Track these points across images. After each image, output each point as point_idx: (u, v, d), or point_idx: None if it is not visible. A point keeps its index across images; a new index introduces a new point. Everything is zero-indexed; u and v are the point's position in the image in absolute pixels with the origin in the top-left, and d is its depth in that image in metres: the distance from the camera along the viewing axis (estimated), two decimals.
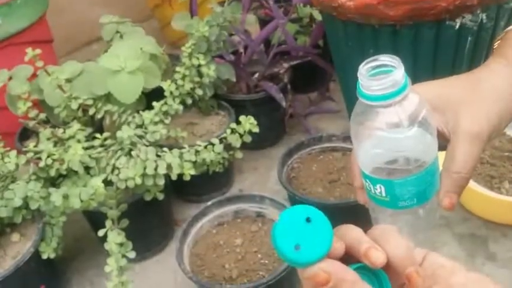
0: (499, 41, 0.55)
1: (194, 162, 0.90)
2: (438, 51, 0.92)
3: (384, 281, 0.35)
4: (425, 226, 0.48)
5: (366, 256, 0.33)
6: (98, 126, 1.07)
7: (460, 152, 0.45)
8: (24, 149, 0.90)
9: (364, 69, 0.42)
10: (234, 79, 1.20)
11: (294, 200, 0.92)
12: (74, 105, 0.97)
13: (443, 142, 0.47)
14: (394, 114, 0.40)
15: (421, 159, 0.42)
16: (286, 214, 0.33)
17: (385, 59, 0.40)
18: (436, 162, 0.44)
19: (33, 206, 0.84)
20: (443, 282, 0.34)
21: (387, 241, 0.34)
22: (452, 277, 0.34)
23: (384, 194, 0.44)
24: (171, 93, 1.02)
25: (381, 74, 0.40)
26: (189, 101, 1.06)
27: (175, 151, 0.90)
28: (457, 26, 0.88)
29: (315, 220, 0.33)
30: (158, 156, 0.89)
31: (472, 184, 0.94)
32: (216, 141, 0.94)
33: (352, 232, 0.35)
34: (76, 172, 0.88)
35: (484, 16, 0.88)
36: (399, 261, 0.34)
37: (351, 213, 0.91)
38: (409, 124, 0.40)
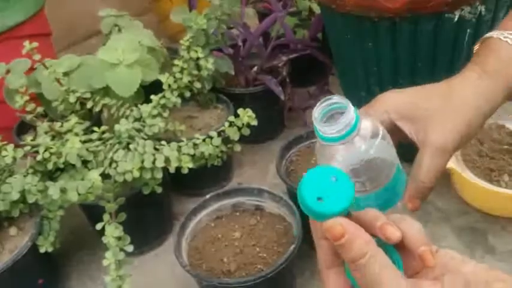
0: (477, 46, 0.55)
1: (192, 156, 0.90)
2: (437, 43, 0.91)
3: (395, 260, 0.36)
4: None
5: (381, 230, 0.35)
6: (96, 120, 1.06)
7: (425, 163, 0.48)
8: (21, 143, 0.90)
9: (317, 113, 0.42)
10: (232, 72, 1.20)
11: (293, 193, 0.92)
12: (72, 98, 0.97)
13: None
14: (349, 148, 0.43)
15: (379, 181, 0.46)
16: (314, 170, 0.36)
17: (335, 99, 0.42)
18: (397, 174, 0.47)
19: (31, 199, 0.84)
20: (454, 271, 0.35)
21: (403, 221, 0.36)
22: (463, 266, 0.36)
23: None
24: (170, 86, 1.01)
25: (334, 110, 0.42)
26: (188, 95, 1.06)
27: (174, 144, 0.90)
28: (456, 19, 0.87)
29: (340, 179, 0.35)
30: (156, 149, 0.89)
31: (472, 177, 0.94)
32: (214, 134, 0.93)
33: (370, 211, 0.37)
34: (74, 166, 0.88)
35: (482, 8, 0.87)
36: (413, 240, 0.35)
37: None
38: (364, 152, 0.43)
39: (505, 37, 0.51)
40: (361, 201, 0.47)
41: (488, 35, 0.54)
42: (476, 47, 0.56)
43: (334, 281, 0.38)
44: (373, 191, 0.47)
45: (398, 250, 0.37)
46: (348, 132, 0.41)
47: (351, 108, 0.41)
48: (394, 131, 0.49)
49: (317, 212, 0.35)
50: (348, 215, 0.36)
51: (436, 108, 0.47)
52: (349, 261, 0.34)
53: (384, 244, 0.36)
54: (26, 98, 0.97)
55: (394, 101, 0.49)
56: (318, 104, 0.42)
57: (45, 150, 0.86)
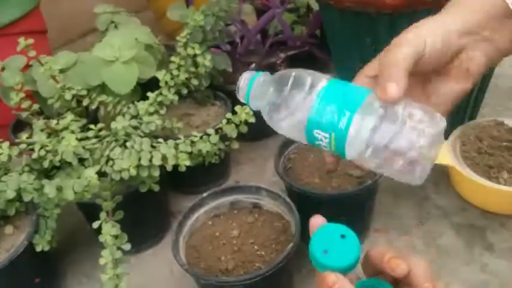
0: None
1: (190, 153, 0.89)
2: None
3: None
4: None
5: (388, 263, 0.38)
6: (92, 117, 1.06)
7: (388, 53, 0.49)
8: (17, 141, 0.89)
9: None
10: (230, 69, 1.19)
11: (291, 191, 0.92)
12: (68, 96, 0.96)
13: None
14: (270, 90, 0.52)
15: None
16: (327, 226, 0.40)
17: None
18: (330, 83, 0.48)
19: (27, 198, 0.83)
20: None
21: (409, 258, 0.38)
22: None
23: (326, 135, 0.47)
24: (166, 83, 1.00)
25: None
26: (185, 92, 1.05)
27: (171, 142, 0.89)
28: None
29: (348, 238, 0.39)
30: (153, 147, 0.88)
31: (471, 174, 0.93)
32: (211, 131, 0.93)
33: (382, 247, 0.40)
34: (70, 164, 0.88)
35: None
36: (418, 276, 0.37)
37: (348, 204, 0.91)
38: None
39: None
40: (311, 129, 0.47)
41: None
42: None
43: None
44: (308, 117, 0.47)
45: (402, 284, 0.39)
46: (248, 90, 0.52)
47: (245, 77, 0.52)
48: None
49: (321, 263, 0.38)
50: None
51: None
52: None
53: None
54: (22, 95, 0.96)
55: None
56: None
57: (41, 148, 0.86)
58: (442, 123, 0.44)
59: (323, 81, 0.49)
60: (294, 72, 0.50)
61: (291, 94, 0.48)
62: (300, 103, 0.47)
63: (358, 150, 0.45)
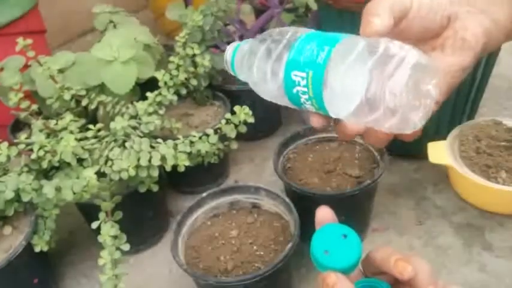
0: None
1: (189, 154, 0.89)
2: None
3: None
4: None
5: (395, 266, 0.37)
6: (92, 117, 1.05)
7: None
8: (16, 141, 0.89)
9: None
10: None
11: (290, 191, 0.92)
12: (67, 96, 0.96)
13: None
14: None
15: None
16: (327, 226, 0.40)
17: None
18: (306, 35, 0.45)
19: (25, 198, 0.83)
20: None
21: (414, 260, 0.38)
22: None
23: (304, 75, 0.43)
24: (166, 83, 1.00)
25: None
26: (184, 92, 1.05)
27: (170, 142, 0.89)
28: None
29: (350, 238, 0.39)
30: (152, 147, 0.88)
31: (469, 174, 0.93)
32: (211, 131, 0.93)
33: (385, 248, 0.40)
34: (69, 164, 0.87)
35: None
36: (422, 278, 0.37)
37: (347, 203, 0.91)
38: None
39: None
40: (289, 72, 0.45)
41: None
42: None
43: None
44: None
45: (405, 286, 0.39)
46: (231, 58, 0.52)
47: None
48: None
49: (322, 264, 0.38)
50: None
51: None
52: None
53: None
54: (21, 95, 0.96)
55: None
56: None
57: (39, 148, 0.85)
58: (431, 61, 0.39)
59: (305, 30, 0.46)
60: (276, 29, 0.48)
61: (272, 46, 0.46)
62: (280, 53, 0.45)
63: (337, 88, 0.40)
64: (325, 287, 0.37)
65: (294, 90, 0.44)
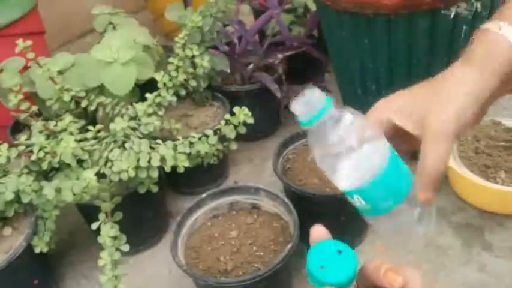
0: (474, 35, 0.55)
1: (188, 154, 0.90)
2: (433, 40, 0.91)
3: None
4: (421, 222, 0.50)
5: (385, 277, 0.38)
6: (91, 119, 1.05)
7: (429, 149, 0.48)
8: (15, 142, 0.89)
9: (296, 104, 0.45)
10: (228, 70, 1.19)
11: (290, 192, 0.92)
12: (66, 97, 0.96)
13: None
14: (326, 131, 0.45)
15: (363, 173, 0.47)
16: (323, 242, 0.40)
17: (309, 91, 0.45)
18: (393, 160, 0.48)
19: (25, 199, 0.84)
20: None
21: (405, 271, 0.38)
22: None
23: (363, 203, 0.48)
24: (165, 84, 1.00)
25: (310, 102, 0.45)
26: (183, 93, 1.05)
27: (169, 143, 0.89)
28: (452, 15, 0.87)
29: (345, 254, 0.39)
30: (152, 148, 0.88)
31: (468, 174, 0.94)
32: (210, 132, 0.93)
33: (376, 261, 0.39)
34: (69, 165, 0.87)
35: (478, 5, 0.87)
36: (413, 286, 0.37)
37: (347, 204, 0.91)
38: (357, 138, 0.45)
39: (500, 28, 0.51)
40: (368, 193, 0.47)
41: (485, 25, 0.54)
42: (472, 37, 0.56)
43: None
44: (359, 185, 0.47)
45: None
46: (319, 112, 0.44)
47: (320, 93, 0.44)
48: (396, 137, 0.51)
49: (318, 279, 0.38)
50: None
51: (430, 100, 0.49)
52: None
53: None
54: (20, 97, 0.96)
55: (391, 104, 0.52)
56: (296, 98, 0.45)
57: (39, 150, 0.85)
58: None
59: (386, 153, 0.48)
60: (360, 123, 0.46)
61: (347, 152, 0.46)
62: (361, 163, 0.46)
63: (385, 227, 0.50)
64: None
65: (351, 199, 0.49)
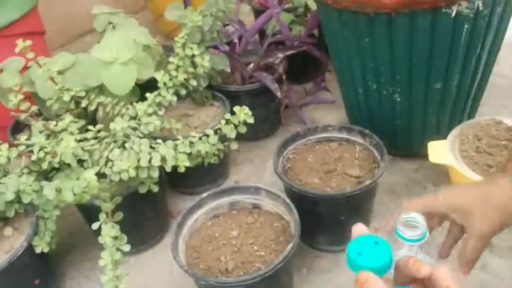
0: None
1: (189, 154, 0.89)
2: (434, 39, 0.91)
3: None
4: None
5: (413, 266, 0.43)
6: (91, 119, 1.05)
7: (470, 245, 0.63)
8: (16, 142, 0.89)
9: (401, 220, 0.59)
10: (228, 70, 1.19)
11: (290, 191, 0.92)
12: (66, 97, 0.96)
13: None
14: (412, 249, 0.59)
15: None
16: (362, 236, 0.45)
17: (413, 215, 0.60)
18: None
19: (26, 199, 0.83)
20: None
21: (434, 266, 0.44)
22: None
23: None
24: (165, 84, 1.00)
25: (410, 222, 0.59)
26: (183, 92, 1.05)
27: (170, 143, 0.89)
28: (453, 14, 0.87)
29: (381, 246, 0.44)
30: (152, 148, 0.88)
31: (470, 173, 0.93)
32: (210, 132, 0.93)
33: (407, 256, 0.46)
34: (69, 165, 0.87)
35: (480, 3, 0.87)
36: (440, 275, 0.42)
37: (347, 203, 0.91)
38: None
39: None
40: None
41: None
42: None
43: None
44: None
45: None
46: (421, 238, 0.57)
47: (424, 222, 0.58)
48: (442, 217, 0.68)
49: (355, 263, 0.43)
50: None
51: (478, 206, 0.63)
52: None
53: None
54: (20, 97, 0.96)
55: (448, 199, 0.65)
56: (402, 215, 0.59)
57: (40, 150, 0.85)
58: None
59: None
60: None
61: None
62: None
63: None
64: (358, 284, 0.42)
65: None
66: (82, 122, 0.96)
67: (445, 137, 1.01)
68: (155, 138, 0.93)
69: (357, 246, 0.44)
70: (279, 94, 1.18)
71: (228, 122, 0.94)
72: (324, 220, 0.92)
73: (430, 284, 0.44)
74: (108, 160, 0.88)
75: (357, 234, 0.47)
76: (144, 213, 1.00)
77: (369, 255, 0.43)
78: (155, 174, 0.86)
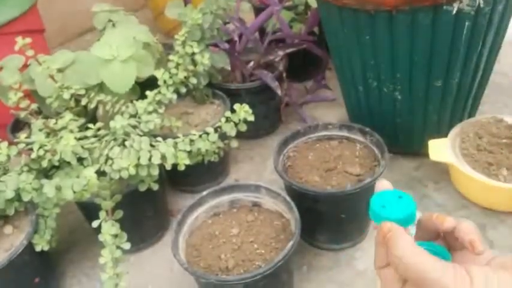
0: None
1: (189, 152, 0.89)
2: (435, 36, 0.90)
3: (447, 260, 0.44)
4: None
5: (437, 219, 0.44)
6: (91, 117, 1.05)
7: None
8: (15, 140, 0.89)
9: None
10: (228, 67, 1.19)
11: (290, 189, 0.92)
12: (66, 95, 0.96)
13: None
14: None
15: None
16: (385, 191, 0.46)
17: None
18: None
19: (26, 197, 0.83)
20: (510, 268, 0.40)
21: (459, 219, 0.44)
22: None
23: None
24: (165, 82, 1.00)
25: None
26: (183, 90, 1.05)
27: (170, 141, 0.89)
28: (454, 11, 0.87)
29: (404, 199, 0.44)
30: (152, 146, 0.88)
31: (470, 171, 0.93)
32: (210, 130, 0.92)
33: (429, 212, 0.46)
34: (69, 163, 0.87)
35: (481, 0, 0.86)
36: (464, 229, 0.43)
37: (348, 201, 0.91)
38: None
39: None
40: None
41: None
42: None
43: (386, 276, 0.45)
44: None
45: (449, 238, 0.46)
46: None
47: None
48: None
49: (379, 214, 0.44)
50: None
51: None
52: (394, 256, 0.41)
53: (435, 249, 0.45)
54: (20, 94, 0.96)
55: None
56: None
57: (39, 148, 0.85)
58: None
59: None
60: None
61: None
62: None
63: None
64: (381, 235, 0.42)
65: None
66: (82, 120, 0.96)
67: (445, 135, 1.01)
68: (155, 136, 0.92)
69: (381, 199, 0.45)
70: (279, 92, 1.17)
71: (228, 120, 0.93)
72: (324, 218, 0.92)
73: (452, 240, 0.44)
74: (108, 158, 0.88)
75: (380, 189, 0.47)
76: (144, 211, 1.00)
77: (392, 207, 0.44)
78: (155, 172, 0.86)
